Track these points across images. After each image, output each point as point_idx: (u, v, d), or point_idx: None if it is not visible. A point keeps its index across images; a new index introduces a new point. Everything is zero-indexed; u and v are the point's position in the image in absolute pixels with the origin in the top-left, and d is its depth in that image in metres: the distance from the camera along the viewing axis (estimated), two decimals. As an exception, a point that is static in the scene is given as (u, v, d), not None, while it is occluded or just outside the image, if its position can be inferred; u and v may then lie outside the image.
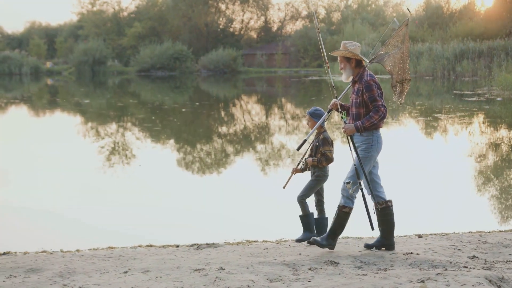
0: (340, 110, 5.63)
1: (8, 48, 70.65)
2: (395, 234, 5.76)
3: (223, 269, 4.98)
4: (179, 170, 11.67)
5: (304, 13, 75.25)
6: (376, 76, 5.67)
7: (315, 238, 5.63)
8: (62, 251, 6.05)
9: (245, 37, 76.16)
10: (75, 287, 4.66)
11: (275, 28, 77.20)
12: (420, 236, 6.31)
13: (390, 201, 5.58)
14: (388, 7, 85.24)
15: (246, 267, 5.06)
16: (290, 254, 5.53)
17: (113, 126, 18.86)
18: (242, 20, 76.37)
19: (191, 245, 6.19)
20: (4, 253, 5.93)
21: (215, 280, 4.69)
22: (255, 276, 4.80)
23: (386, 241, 5.62)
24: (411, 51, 48.37)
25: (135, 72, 62.84)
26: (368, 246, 5.68)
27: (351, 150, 5.50)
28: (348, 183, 5.42)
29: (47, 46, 74.38)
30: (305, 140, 5.63)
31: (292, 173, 6.24)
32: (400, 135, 15.76)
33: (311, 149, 6.20)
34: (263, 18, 76.20)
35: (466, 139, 14.67)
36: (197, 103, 27.51)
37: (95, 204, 8.77)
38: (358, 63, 5.61)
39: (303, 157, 6.22)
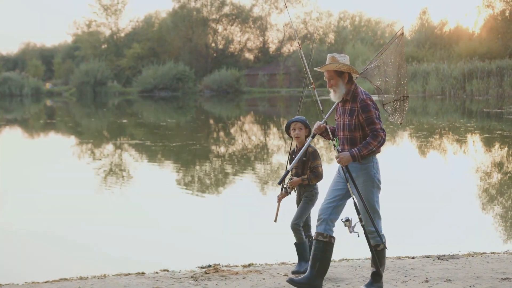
0: (332, 137, 4.75)
1: (3, 69, 70.05)
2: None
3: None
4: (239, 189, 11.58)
5: (302, 33, 76.11)
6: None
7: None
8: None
9: (242, 58, 76.70)
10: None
11: (273, 48, 77.90)
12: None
13: (334, 238, 4.68)
14: (379, 27, 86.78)
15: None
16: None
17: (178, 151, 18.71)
18: (240, 41, 77.01)
19: (427, 256, 6.19)
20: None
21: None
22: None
23: (317, 279, 4.63)
24: (416, 71, 48.97)
25: (137, 93, 62.71)
26: (297, 283, 4.62)
27: (347, 182, 4.60)
28: (347, 220, 4.56)
29: (44, 67, 73.98)
30: (287, 172, 5.03)
31: (279, 201, 5.48)
32: (471, 155, 15.84)
33: (297, 166, 5.44)
34: (261, 38, 76.93)
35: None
36: (239, 121, 27.58)
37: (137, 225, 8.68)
38: (350, 79, 4.73)
39: (283, 179, 5.14)
